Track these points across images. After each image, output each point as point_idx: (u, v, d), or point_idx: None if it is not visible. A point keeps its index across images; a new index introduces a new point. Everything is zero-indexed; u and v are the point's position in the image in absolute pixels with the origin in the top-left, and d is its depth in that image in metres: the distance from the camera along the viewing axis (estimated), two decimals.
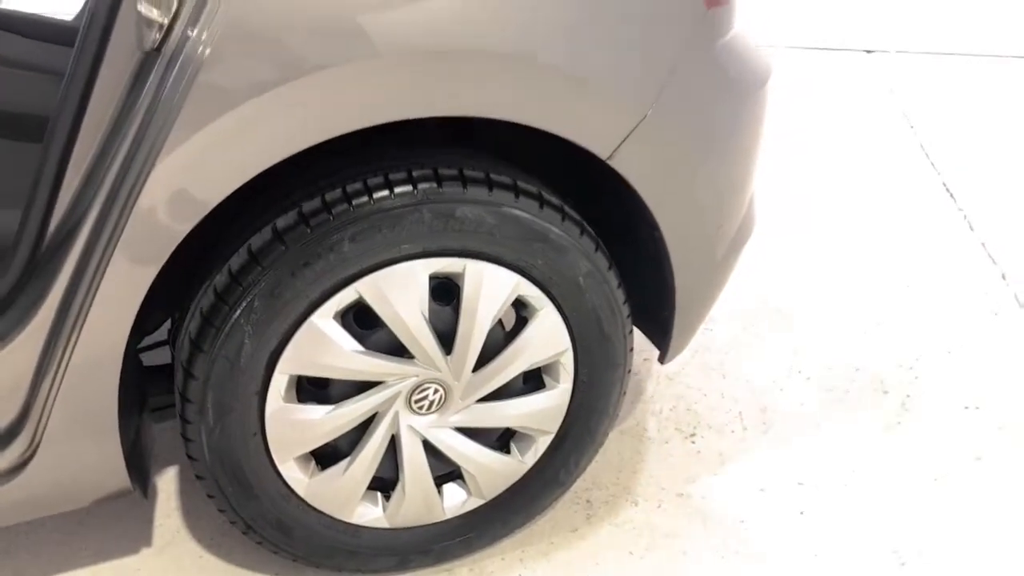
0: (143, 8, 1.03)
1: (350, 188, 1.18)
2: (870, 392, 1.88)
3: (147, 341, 1.50)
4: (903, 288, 2.22)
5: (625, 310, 1.38)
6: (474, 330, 1.28)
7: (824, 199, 2.64)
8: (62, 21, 2.11)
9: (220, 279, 1.19)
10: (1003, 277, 2.26)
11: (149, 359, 1.46)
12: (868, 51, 3.86)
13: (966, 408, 1.84)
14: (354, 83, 1.07)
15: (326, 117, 1.08)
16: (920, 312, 2.13)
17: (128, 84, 1.07)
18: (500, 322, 1.35)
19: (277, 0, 1.03)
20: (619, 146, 1.21)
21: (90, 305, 1.12)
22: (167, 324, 1.45)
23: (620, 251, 1.39)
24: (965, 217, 2.55)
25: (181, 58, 1.02)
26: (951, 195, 2.68)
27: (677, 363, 1.92)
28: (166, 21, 1.03)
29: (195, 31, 1.02)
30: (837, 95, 3.45)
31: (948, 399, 1.86)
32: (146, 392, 1.41)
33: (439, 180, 1.20)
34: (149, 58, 1.05)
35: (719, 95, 1.32)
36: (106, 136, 1.08)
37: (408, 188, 1.18)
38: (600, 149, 1.21)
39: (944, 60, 3.78)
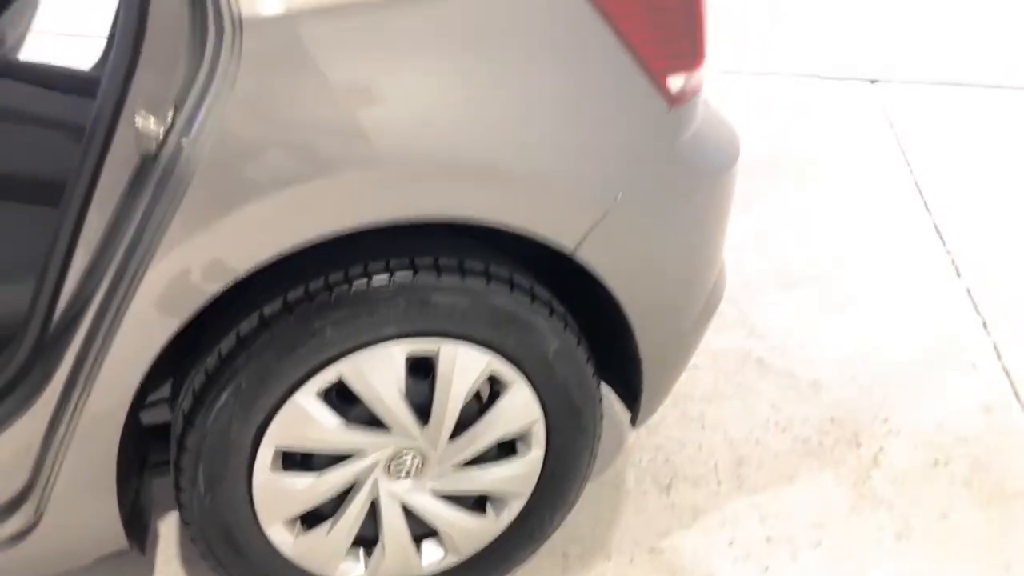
0: (139, 122, 1.12)
1: (331, 278, 1.27)
2: (843, 445, 1.95)
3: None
4: (885, 337, 2.28)
5: (594, 382, 1.46)
6: (448, 404, 1.37)
7: (811, 241, 2.70)
8: (80, 72, 2.21)
9: (211, 361, 1.28)
10: (984, 327, 2.32)
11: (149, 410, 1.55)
12: (872, 80, 3.90)
13: (935, 464, 1.91)
14: (334, 192, 1.16)
15: (309, 223, 1.17)
16: (899, 362, 2.20)
17: (127, 186, 1.16)
18: (477, 392, 1.43)
19: (264, 116, 1.12)
20: (582, 241, 1.29)
21: (93, 383, 1.21)
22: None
23: (591, 321, 1.47)
24: (953, 262, 2.61)
25: (177, 165, 1.11)
26: (941, 238, 2.73)
27: (658, 413, 2.00)
28: (162, 132, 1.13)
29: (189, 141, 1.11)
30: (836, 127, 3.49)
31: (918, 454, 1.93)
32: (146, 451, 1.51)
33: (415, 269, 1.29)
34: (147, 163, 1.14)
35: (683, 186, 1.39)
36: (106, 235, 1.18)
37: (385, 277, 1.27)
38: (563, 244, 1.29)
39: (949, 91, 3.80)
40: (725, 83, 3.84)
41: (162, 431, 1.51)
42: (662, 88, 1.30)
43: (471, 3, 1.15)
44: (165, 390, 1.55)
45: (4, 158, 1.80)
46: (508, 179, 1.23)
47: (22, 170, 1.77)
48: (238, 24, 1.06)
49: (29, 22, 2.48)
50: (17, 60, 2.33)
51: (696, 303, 1.51)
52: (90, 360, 1.20)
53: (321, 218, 1.17)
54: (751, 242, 2.71)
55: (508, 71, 1.20)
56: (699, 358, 2.19)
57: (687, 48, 1.31)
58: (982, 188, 3.03)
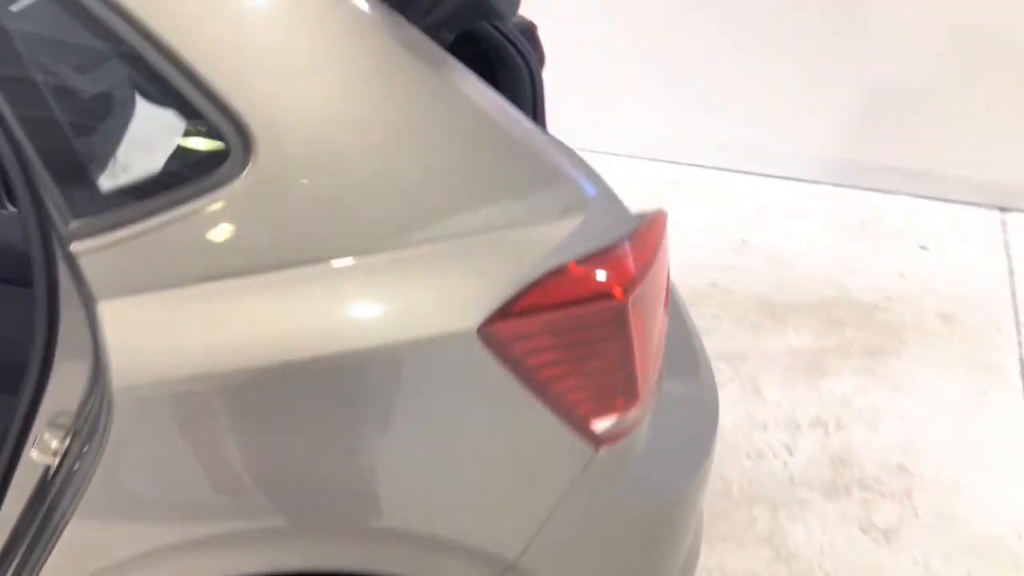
0: (35, 455, 1.14)
1: None
2: None
3: None
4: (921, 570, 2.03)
5: None
6: None
7: (879, 431, 2.44)
8: None
9: None
10: None
11: None
12: (1003, 208, 3.52)
13: None
14: (221, 550, 1.14)
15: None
16: None
17: (31, 498, 1.19)
18: None
19: (137, 474, 1.12)
20: None
21: None
22: None
23: None
24: None
25: (66, 493, 1.13)
26: None
27: None
28: (55, 462, 1.14)
29: (79, 471, 1.11)
30: (948, 264, 3.16)
31: None
32: None
33: None
34: (46, 478, 1.16)
35: (618, 525, 1.25)
36: (13, 534, 1.20)
37: None
38: None
39: None
40: (832, 198, 3.58)
41: None
42: (585, 433, 1.17)
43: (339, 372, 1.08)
44: None
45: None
46: (402, 542, 1.16)
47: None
48: (110, 394, 1.06)
49: None
50: None
51: None
52: None
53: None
54: (810, 423, 2.49)
55: (395, 434, 1.12)
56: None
57: (617, 391, 1.17)
58: None
